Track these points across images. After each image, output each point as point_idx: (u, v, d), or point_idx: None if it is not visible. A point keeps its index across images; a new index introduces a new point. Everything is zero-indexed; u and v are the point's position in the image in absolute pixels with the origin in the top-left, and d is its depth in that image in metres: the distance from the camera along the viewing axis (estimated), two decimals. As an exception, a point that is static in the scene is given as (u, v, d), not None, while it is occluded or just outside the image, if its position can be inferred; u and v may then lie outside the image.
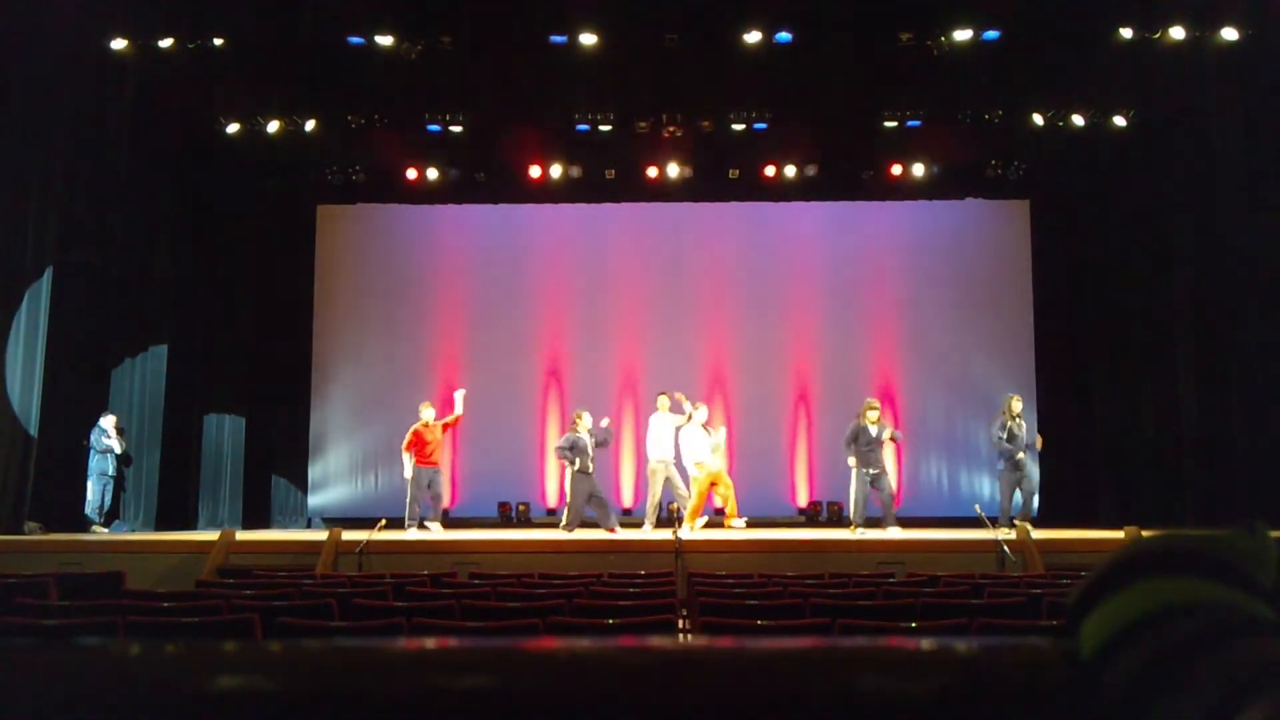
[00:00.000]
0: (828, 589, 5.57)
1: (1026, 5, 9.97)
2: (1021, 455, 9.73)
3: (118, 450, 10.39)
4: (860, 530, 9.38)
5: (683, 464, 9.94)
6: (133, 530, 10.34)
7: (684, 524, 9.68)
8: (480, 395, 12.01)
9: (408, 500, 9.87)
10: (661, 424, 10.05)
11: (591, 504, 9.63)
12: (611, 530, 9.42)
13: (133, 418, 11.06)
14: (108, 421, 10.39)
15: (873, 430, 9.59)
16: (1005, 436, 9.74)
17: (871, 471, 9.58)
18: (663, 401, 10.11)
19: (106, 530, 10.12)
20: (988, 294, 12.23)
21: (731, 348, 12.19)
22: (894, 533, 9.27)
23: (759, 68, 10.41)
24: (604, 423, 9.98)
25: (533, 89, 10.86)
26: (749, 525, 9.91)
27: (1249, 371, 10.15)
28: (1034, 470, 10.15)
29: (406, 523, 9.72)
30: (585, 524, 9.75)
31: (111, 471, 10.31)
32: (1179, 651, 0.51)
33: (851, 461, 9.63)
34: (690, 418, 9.87)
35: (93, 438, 10.35)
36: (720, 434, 10.16)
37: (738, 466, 11.06)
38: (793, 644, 0.61)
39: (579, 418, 9.80)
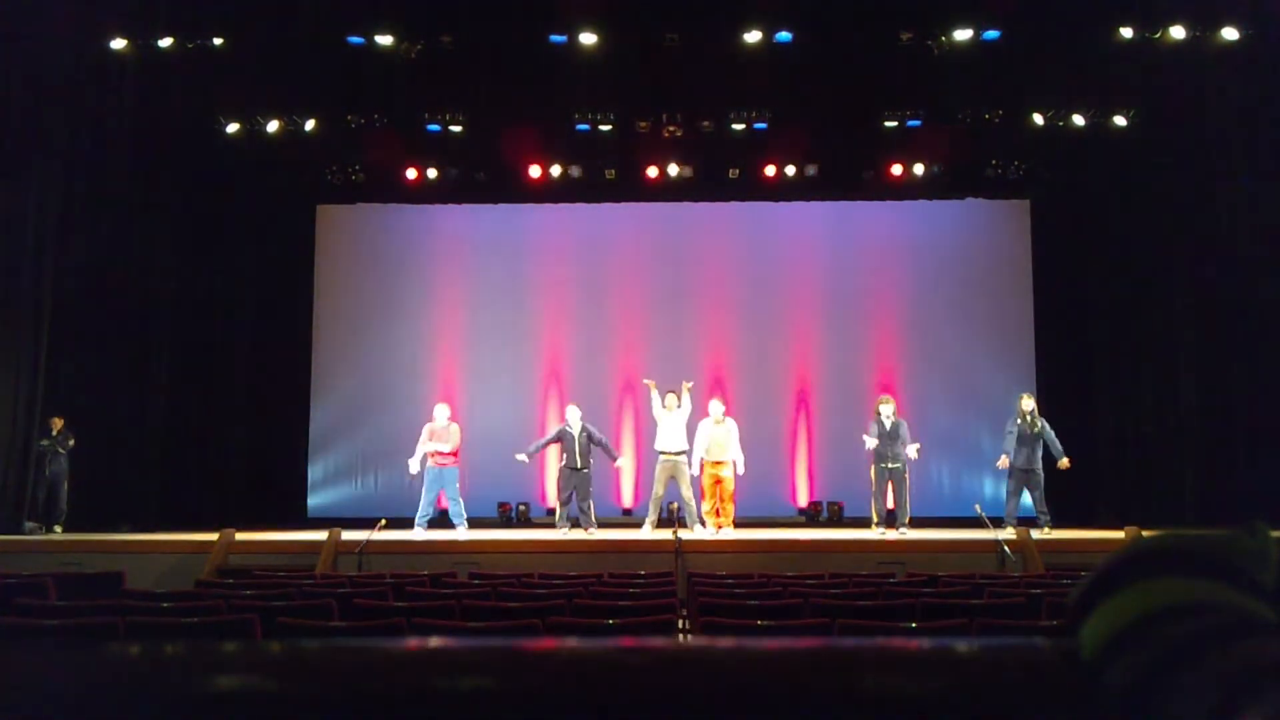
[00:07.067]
0: (828, 589, 5.57)
1: (1026, 5, 9.97)
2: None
3: (62, 451, 10.02)
4: (879, 528, 9.38)
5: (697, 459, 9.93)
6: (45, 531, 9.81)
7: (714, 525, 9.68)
8: (480, 395, 12.03)
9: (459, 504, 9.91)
10: (667, 421, 9.99)
11: (564, 500, 9.77)
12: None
13: (132, 418, 11.04)
14: (56, 423, 10.07)
15: (886, 424, 9.60)
16: (1016, 435, 9.73)
17: (887, 466, 9.58)
18: (669, 399, 10.07)
19: (50, 531, 9.81)
20: (988, 294, 12.22)
21: (731, 347, 12.18)
22: (901, 532, 9.24)
23: (759, 68, 10.41)
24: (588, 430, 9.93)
25: (533, 89, 10.86)
26: (740, 526, 9.93)
27: (1249, 371, 10.14)
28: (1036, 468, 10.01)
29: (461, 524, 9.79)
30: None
31: (61, 471, 10.02)
32: (1179, 651, 0.51)
33: (869, 445, 9.65)
34: (725, 419, 9.87)
35: (43, 439, 9.96)
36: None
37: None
38: (793, 644, 0.61)
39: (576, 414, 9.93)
